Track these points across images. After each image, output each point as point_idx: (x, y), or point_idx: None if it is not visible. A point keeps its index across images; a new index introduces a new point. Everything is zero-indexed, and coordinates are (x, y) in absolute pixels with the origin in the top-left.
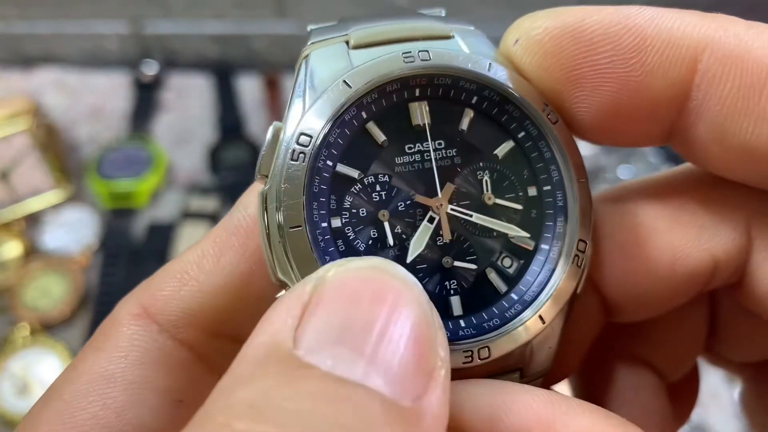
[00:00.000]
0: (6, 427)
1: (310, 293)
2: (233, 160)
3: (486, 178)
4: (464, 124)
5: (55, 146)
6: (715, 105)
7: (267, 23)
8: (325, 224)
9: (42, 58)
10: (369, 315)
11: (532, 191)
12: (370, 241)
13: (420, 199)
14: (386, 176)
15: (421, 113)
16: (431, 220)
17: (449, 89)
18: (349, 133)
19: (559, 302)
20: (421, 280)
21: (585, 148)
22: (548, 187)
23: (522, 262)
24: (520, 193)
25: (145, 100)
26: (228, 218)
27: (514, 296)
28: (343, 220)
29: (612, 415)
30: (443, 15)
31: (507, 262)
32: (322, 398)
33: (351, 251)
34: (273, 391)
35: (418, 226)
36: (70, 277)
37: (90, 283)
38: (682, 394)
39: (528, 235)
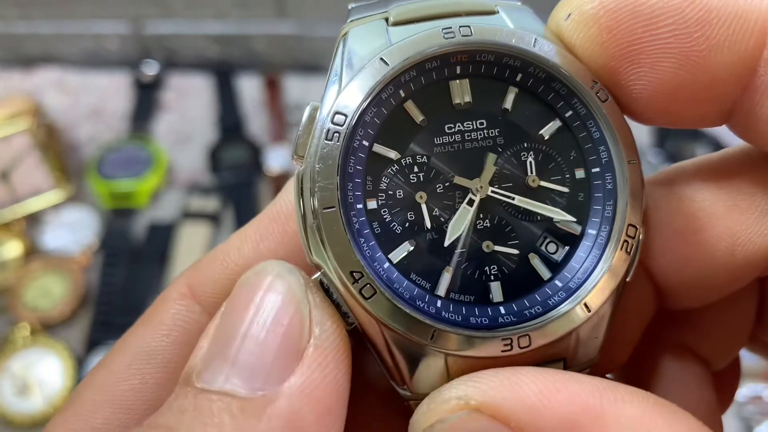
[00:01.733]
0: (6, 427)
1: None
2: (233, 160)
3: (530, 159)
4: (508, 103)
5: (55, 146)
6: None
7: (267, 23)
8: (360, 206)
9: (42, 58)
10: (239, 320)
11: (580, 173)
12: (407, 224)
13: (459, 180)
14: (424, 157)
15: (461, 91)
16: (471, 202)
17: (492, 66)
18: (386, 112)
19: (606, 290)
20: (459, 264)
21: None
22: (597, 169)
23: (568, 247)
24: (567, 176)
25: (146, 100)
26: (273, 204)
27: (558, 283)
28: (379, 202)
29: (663, 401)
30: None
31: (552, 247)
32: (189, 414)
33: (387, 233)
34: (168, 413)
35: (458, 209)
36: (71, 277)
37: (90, 283)
38: (725, 382)
39: (574, 220)
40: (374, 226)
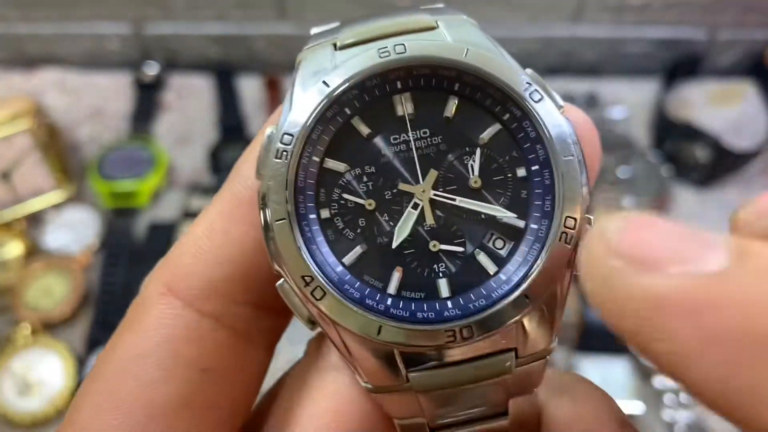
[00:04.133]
0: (7, 427)
1: None
2: (234, 161)
3: (472, 162)
4: (449, 111)
5: (56, 146)
6: None
7: (268, 24)
8: (313, 215)
9: (43, 58)
10: None
11: (521, 172)
12: (359, 230)
13: (404, 186)
14: (372, 167)
15: (404, 104)
16: (415, 206)
17: (430, 78)
18: (333, 129)
19: (547, 281)
20: (408, 264)
21: None
22: (536, 167)
23: (513, 242)
24: (509, 174)
25: (146, 101)
26: (229, 188)
27: (502, 276)
28: (332, 211)
29: None
30: (441, 7)
31: (499, 243)
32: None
33: (340, 240)
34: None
35: (404, 213)
36: (72, 276)
37: (91, 283)
38: None
39: (515, 215)
40: (328, 234)
